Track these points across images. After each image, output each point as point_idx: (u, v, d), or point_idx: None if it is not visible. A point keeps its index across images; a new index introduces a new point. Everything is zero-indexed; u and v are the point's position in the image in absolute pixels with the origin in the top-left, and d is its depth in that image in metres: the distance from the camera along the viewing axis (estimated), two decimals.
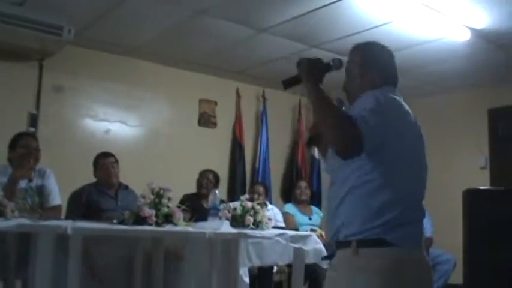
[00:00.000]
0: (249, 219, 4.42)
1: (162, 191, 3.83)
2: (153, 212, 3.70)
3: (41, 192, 4.59)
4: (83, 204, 4.87)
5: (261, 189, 6.74)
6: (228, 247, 4.47)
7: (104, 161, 5.13)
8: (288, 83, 2.58)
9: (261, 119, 8.31)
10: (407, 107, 2.37)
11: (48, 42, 5.85)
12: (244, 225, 4.48)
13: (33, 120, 6.23)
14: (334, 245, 2.36)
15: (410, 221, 2.25)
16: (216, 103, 7.89)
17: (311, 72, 2.41)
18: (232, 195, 7.41)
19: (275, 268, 5.94)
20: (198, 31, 6.19)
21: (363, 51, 2.52)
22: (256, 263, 4.89)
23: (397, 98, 2.37)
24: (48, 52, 6.17)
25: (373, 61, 2.49)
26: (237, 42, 6.52)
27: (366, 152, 2.20)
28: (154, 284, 4.38)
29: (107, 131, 6.81)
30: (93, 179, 5.14)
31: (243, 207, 4.57)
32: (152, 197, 3.78)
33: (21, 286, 4.20)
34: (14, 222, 3.35)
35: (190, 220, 4.11)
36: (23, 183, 4.44)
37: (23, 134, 4.89)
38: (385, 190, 2.22)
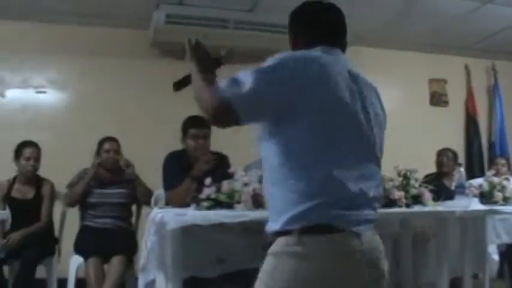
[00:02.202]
0: (498, 195, 4.34)
1: (409, 173, 3.92)
2: (403, 193, 3.79)
3: None
4: None
5: (503, 162, 6.50)
6: (475, 225, 4.42)
7: None
8: (179, 85, 2.27)
9: (494, 92, 8.02)
10: (339, 65, 2.01)
11: (280, 41, 6.15)
12: (492, 202, 4.40)
13: None
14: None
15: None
16: (446, 81, 7.78)
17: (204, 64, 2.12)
18: (471, 173, 7.25)
19: None
20: (421, 12, 6.16)
21: (289, 17, 2.25)
22: (505, 239, 4.78)
23: (324, 55, 2.01)
24: (277, 51, 6.47)
25: (298, 24, 2.21)
26: (460, 17, 6.39)
27: (246, 121, 1.91)
28: (403, 265, 4.45)
29: None
30: None
31: (490, 183, 4.49)
32: (400, 179, 3.88)
33: None
34: None
35: (438, 200, 4.13)
36: None
37: None
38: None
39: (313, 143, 1.89)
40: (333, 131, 1.92)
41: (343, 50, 2.20)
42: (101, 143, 5.03)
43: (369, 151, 2.03)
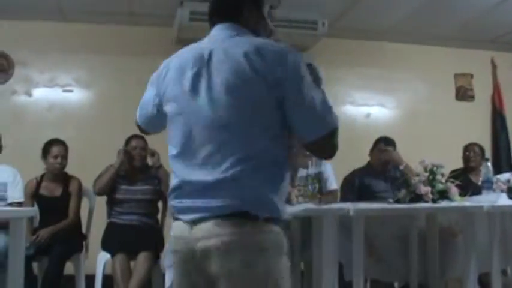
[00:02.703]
0: None
1: (435, 168, 3.90)
2: (429, 189, 3.78)
3: (320, 178, 4.87)
4: (356, 187, 5.09)
5: None
6: (503, 220, 4.38)
7: (381, 147, 5.28)
8: None
9: None
10: (194, 51, 2.03)
11: (305, 37, 6.17)
12: None
13: None
14: None
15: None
16: (471, 76, 7.71)
17: None
18: (498, 168, 7.16)
19: None
20: (446, 5, 6.12)
21: None
22: None
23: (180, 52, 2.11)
24: (305, 47, 6.49)
25: None
26: (485, 11, 6.33)
27: (150, 131, 2.38)
28: (430, 261, 4.43)
29: (367, 115, 7.02)
30: (358, 164, 5.33)
31: None
32: (426, 174, 3.86)
33: (303, 267, 4.47)
34: (300, 207, 3.60)
35: (465, 195, 4.11)
36: (303, 172, 4.76)
37: None
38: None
39: (168, 137, 2.08)
40: (171, 124, 2.05)
41: (232, 19, 2.10)
42: (128, 141, 5.07)
43: (207, 134, 1.91)
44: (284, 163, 1.96)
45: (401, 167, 5.06)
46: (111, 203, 5.01)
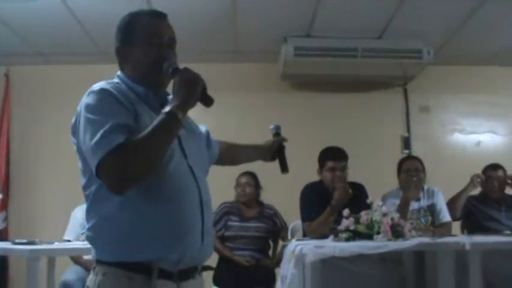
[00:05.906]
0: None
1: None
2: None
3: (432, 210, 4.77)
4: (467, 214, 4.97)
5: None
6: None
7: (490, 174, 5.12)
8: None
9: None
10: None
11: (409, 67, 6.10)
12: None
13: (406, 142, 6.51)
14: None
15: None
16: None
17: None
18: None
19: None
20: None
21: None
22: None
23: None
24: (410, 76, 6.40)
25: None
26: None
27: None
28: None
29: (478, 143, 6.76)
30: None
31: None
32: None
33: None
34: (414, 241, 3.44)
35: None
36: (415, 204, 4.69)
37: (406, 158, 5.20)
38: None
39: None
40: None
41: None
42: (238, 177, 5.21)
43: None
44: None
45: None
46: (223, 239, 5.08)
